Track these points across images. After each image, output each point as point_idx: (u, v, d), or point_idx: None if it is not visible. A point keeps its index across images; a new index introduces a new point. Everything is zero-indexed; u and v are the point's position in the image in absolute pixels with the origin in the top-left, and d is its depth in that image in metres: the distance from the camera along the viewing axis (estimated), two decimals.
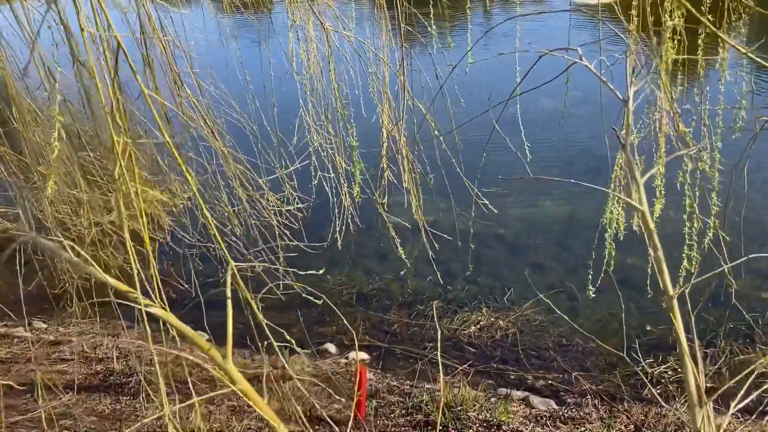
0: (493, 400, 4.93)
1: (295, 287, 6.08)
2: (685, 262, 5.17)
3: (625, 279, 6.64)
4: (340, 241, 6.31)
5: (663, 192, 5.24)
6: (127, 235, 2.01)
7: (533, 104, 9.85)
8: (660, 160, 4.33)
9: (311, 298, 2.71)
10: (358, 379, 4.24)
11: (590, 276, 4.97)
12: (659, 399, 4.90)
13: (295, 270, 2.27)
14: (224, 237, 5.50)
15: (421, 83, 4.87)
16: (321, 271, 2.81)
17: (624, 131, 2.03)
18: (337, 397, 4.66)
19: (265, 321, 3.20)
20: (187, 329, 1.85)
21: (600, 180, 8.29)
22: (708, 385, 5.21)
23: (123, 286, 1.82)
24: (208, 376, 5.18)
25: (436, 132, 5.05)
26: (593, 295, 5.26)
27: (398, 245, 5.56)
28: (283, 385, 4.96)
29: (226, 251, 1.96)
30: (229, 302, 1.94)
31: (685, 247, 5.11)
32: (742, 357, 5.38)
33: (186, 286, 6.65)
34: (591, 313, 6.33)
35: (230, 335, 2.82)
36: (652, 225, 1.89)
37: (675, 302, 1.92)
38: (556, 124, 9.67)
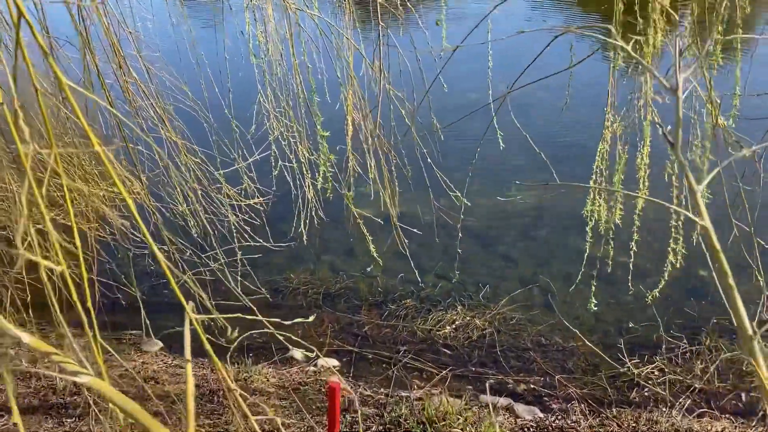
0: (475, 409, 4.55)
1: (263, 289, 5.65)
2: (670, 256, 4.87)
3: (602, 273, 6.35)
4: (305, 236, 5.85)
5: (647, 184, 4.94)
6: (60, 269, 1.52)
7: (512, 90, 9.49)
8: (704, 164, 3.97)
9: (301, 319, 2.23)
10: (332, 398, 3.80)
11: (593, 288, 4.59)
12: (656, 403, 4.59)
13: (279, 320, 1.77)
14: (179, 238, 4.99)
15: (399, 65, 4.42)
16: (310, 319, 2.33)
17: (674, 128, 1.62)
18: (308, 415, 4.23)
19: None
20: (128, 403, 1.36)
21: (581, 170, 8.01)
22: (697, 385, 4.96)
23: (44, 346, 1.34)
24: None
25: (411, 125, 4.62)
26: (595, 308, 4.93)
27: (369, 240, 5.12)
28: (239, 399, 4.48)
29: (182, 299, 1.47)
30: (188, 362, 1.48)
31: (671, 240, 4.81)
32: (730, 354, 5.11)
33: (134, 290, 6.11)
34: (569, 309, 6.01)
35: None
36: (717, 243, 1.49)
37: (756, 344, 1.51)
38: (529, 110, 9.37)
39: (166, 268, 1.50)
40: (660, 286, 4.83)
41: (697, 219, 1.64)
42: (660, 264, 6.26)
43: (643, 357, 5.24)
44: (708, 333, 5.41)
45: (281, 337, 2.24)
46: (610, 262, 5.46)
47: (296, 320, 1.97)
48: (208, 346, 1.99)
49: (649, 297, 4.90)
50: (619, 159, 4.97)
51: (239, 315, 1.65)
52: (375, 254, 5.08)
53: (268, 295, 5.34)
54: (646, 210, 5.17)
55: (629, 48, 1.75)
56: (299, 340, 2.18)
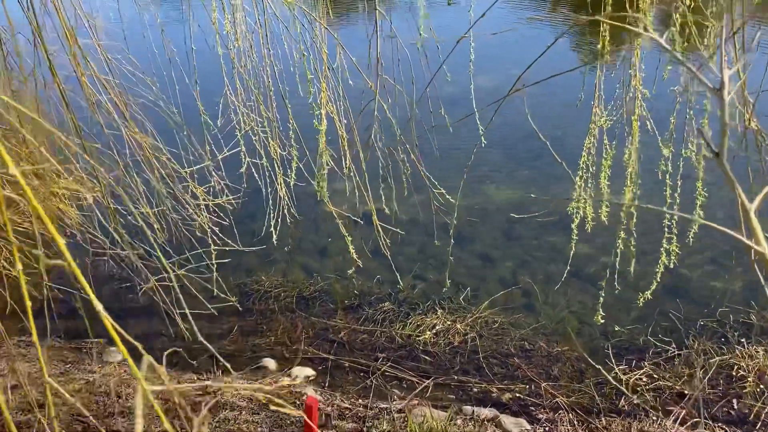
0: (459, 422, 4.27)
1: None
2: (663, 257, 4.64)
3: (583, 273, 6.13)
4: (275, 237, 5.51)
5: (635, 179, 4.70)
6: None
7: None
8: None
9: None
10: (309, 416, 3.48)
11: (601, 298, 4.31)
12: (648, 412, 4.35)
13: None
14: (142, 245, 4.60)
15: (393, 50, 4.09)
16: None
17: (720, 136, 1.34)
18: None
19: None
20: None
21: (560, 166, 7.76)
22: (687, 392, 4.75)
23: None
24: None
25: (410, 117, 4.31)
26: (602, 321, 4.67)
27: (349, 241, 4.79)
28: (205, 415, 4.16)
29: (134, 368, 1.13)
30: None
31: (664, 240, 4.58)
32: (718, 358, 4.90)
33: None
34: (551, 311, 5.77)
35: None
36: None
37: None
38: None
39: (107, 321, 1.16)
40: (653, 288, 4.58)
41: (753, 245, 1.35)
42: (647, 264, 6.08)
43: (630, 362, 5.02)
44: (695, 336, 5.20)
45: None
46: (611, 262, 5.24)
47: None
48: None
49: (641, 299, 4.65)
50: (606, 154, 4.72)
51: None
52: (354, 256, 4.75)
53: (237, 303, 4.97)
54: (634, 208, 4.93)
55: (662, 41, 1.45)
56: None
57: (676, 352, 5.04)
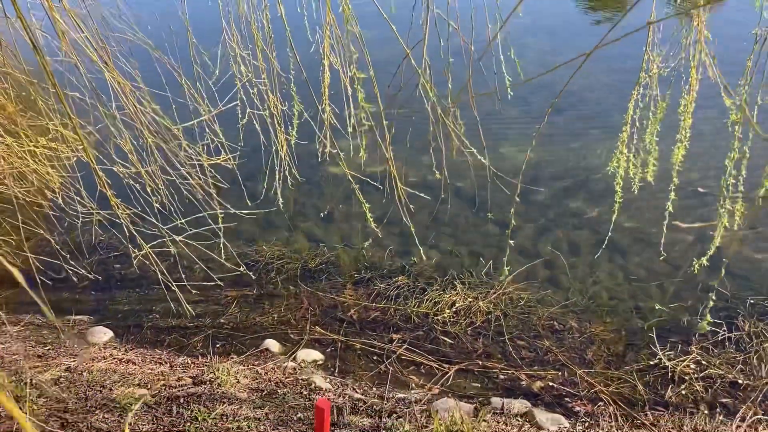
0: (489, 419, 3.72)
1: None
2: (723, 219, 3.98)
3: (621, 243, 5.55)
4: (280, 200, 4.87)
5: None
6: None
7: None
8: None
9: None
10: (320, 420, 2.92)
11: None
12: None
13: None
14: (132, 208, 3.97)
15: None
16: None
17: None
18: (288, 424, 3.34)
19: None
20: None
21: (580, 121, 7.13)
22: (741, 381, 4.20)
23: None
24: None
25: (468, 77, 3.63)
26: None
27: (366, 209, 4.15)
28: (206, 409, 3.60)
29: None
30: None
31: (727, 200, 3.92)
32: None
33: (85, 262, 5.12)
34: (579, 285, 5.21)
35: None
36: None
37: None
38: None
39: None
40: (711, 252, 3.92)
41: None
42: (696, 234, 5.51)
43: (675, 346, 4.46)
44: (745, 317, 4.64)
45: None
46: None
47: None
48: None
49: (696, 266, 3.98)
50: (657, 107, 4.06)
51: None
52: (373, 225, 4.12)
53: (246, 271, 4.34)
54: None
55: None
56: None
57: (726, 335, 4.48)
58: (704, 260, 4.02)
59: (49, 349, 4.40)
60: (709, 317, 3.36)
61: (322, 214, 6.15)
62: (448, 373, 4.27)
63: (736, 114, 3.60)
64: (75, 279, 4.79)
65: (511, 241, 3.86)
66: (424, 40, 3.24)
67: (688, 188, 6.03)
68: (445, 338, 4.60)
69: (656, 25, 4.03)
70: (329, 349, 4.53)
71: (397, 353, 4.44)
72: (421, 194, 4.42)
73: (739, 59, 3.45)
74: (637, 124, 4.14)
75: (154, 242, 3.62)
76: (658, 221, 5.95)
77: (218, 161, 4.82)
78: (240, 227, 5.59)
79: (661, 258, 4.37)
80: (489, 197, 6.22)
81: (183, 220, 4.30)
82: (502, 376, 4.30)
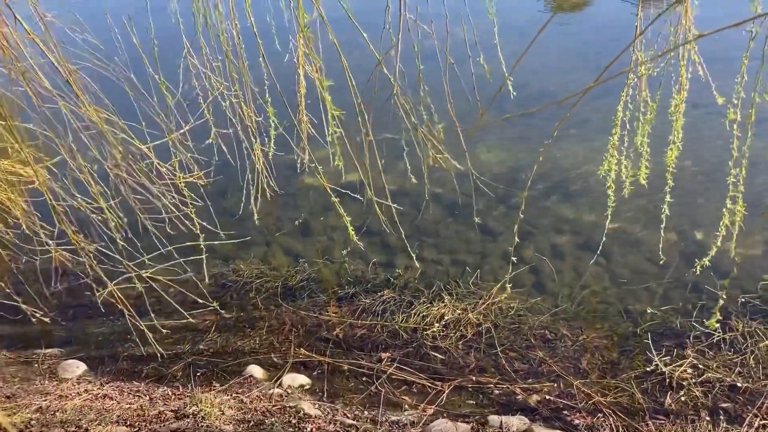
0: None
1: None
2: (725, 218, 3.84)
3: (605, 245, 5.43)
4: (256, 216, 4.65)
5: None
6: None
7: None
8: None
9: None
10: None
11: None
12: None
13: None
14: (96, 243, 3.73)
15: None
16: None
17: None
18: None
19: None
20: None
21: (553, 122, 7.00)
22: (740, 384, 4.10)
23: None
24: None
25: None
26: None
27: (347, 221, 3.95)
28: None
29: None
30: None
31: (728, 200, 3.79)
32: (767, 341, 4.28)
33: (47, 293, 4.84)
34: (567, 291, 5.09)
35: None
36: None
37: None
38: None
39: None
40: (711, 254, 3.79)
41: None
42: (680, 232, 5.41)
43: (670, 350, 4.35)
44: (737, 316, 4.56)
45: None
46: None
47: None
48: None
49: (698, 267, 3.84)
50: (648, 108, 3.93)
51: None
52: (354, 238, 3.92)
53: (217, 307, 4.10)
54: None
55: None
56: None
57: (721, 336, 4.39)
58: (706, 261, 3.89)
59: (18, 388, 4.13)
60: (718, 314, 3.23)
61: (297, 222, 5.95)
62: (441, 391, 4.10)
63: (734, 111, 3.48)
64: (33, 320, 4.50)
65: (514, 259, 3.70)
66: (398, 47, 3.06)
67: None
68: (436, 354, 4.43)
69: (642, 25, 3.91)
70: (316, 372, 4.33)
71: (387, 372, 4.26)
72: (394, 205, 4.25)
73: (732, 56, 3.34)
74: (627, 126, 4.01)
75: (123, 276, 3.38)
76: (640, 221, 5.91)
77: (191, 179, 4.60)
78: (215, 245, 5.35)
79: (660, 261, 4.25)
80: (474, 203, 6.11)
81: (148, 257, 4.05)
82: (497, 391, 4.14)
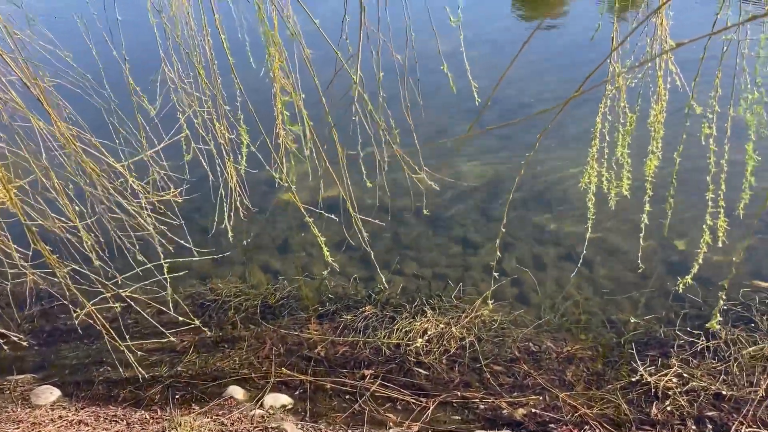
0: None
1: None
2: (705, 235, 3.84)
3: (586, 255, 5.44)
4: (230, 233, 4.59)
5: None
6: None
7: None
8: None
9: None
10: None
11: (718, 315, 3.43)
12: None
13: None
14: (71, 264, 3.64)
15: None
16: None
17: None
18: None
19: None
20: None
21: (531, 135, 7.00)
22: (724, 392, 4.10)
23: None
24: None
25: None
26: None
27: (322, 242, 3.91)
28: None
29: None
30: None
31: (707, 215, 3.80)
32: (752, 349, 4.29)
33: (20, 317, 4.72)
34: (549, 302, 5.07)
35: None
36: None
37: None
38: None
39: None
40: (694, 270, 3.80)
41: None
42: (662, 242, 5.43)
43: (655, 360, 4.35)
44: (720, 323, 4.56)
45: None
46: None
47: None
48: None
49: (681, 285, 3.84)
50: (627, 119, 3.94)
51: None
52: (329, 259, 3.86)
53: (200, 324, 4.00)
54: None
55: None
56: None
57: (704, 344, 4.39)
58: (689, 279, 3.88)
59: None
60: (718, 315, 3.22)
61: (271, 234, 5.90)
62: (426, 407, 4.05)
63: (708, 126, 3.49)
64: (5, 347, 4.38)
65: (496, 274, 3.68)
66: (380, 64, 3.05)
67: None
68: (420, 369, 4.38)
69: (618, 37, 3.93)
70: (298, 392, 4.26)
71: (371, 390, 4.19)
72: (375, 220, 4.21)
73: (708, 66, 3.35)
74: (607, 137, 4.02)
75: (100, 297, 3.30)
76: (619, 230, 5.93)
77: (167, 197, 4.53)
78: (192, 264, 5.26)
79: (639, 270, 4.25)
80: (453, 214, 6.10)
81: (121, 277, 3.96)
82: (482, 406, 4.10)
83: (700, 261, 3.61)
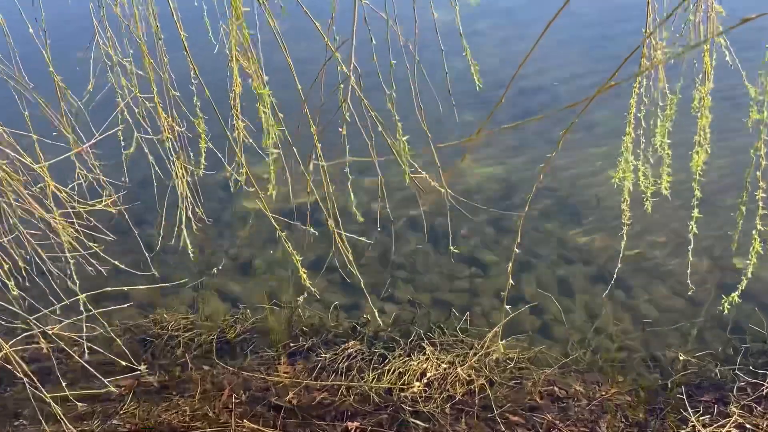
0: None
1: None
2: (756, 244, 3.84)
3: (623, 276, 5.44)
4: (185, 244, 4.52)
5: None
6: None
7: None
8: None
9: None
10: None
11: None
12: None
13: None
14: None
15: None
16: None
17: None
18: None
19: None
20: None
21: (551, 121, 7.02)
22: None
23: None
24: None
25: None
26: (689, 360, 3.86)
27: (297, 261, 3.85)
28: None
29: None
30: None
31: (758, 219, 3.80)
32: None
33: None
34: (577, 334, 5.07)
35: None
36: None
37: None
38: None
39: None
40: (743, 286, 3.79)
41: None
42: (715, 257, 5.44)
43: (708, 407, 4.33)
44: None
45: None
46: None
47: None
48: None
49: (725, 304, 3.85)
50: (668, 102, 3.92)
51: None
52: (307, 282, 3.82)
53: (144, 367, 3.94)
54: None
55: None
56: None
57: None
58: (735, 297, 3.89)
59: None
60: None
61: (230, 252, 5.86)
62: None
63: (758, 110, 3.47)
64: None
65: (507, 307, 3.65)
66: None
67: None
68: (418, 421, 4.34)
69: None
70: None
71: None
72: (362, 238, 4.18)
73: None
74: (642, 123, 4.00)
75: (18, 337, 3.25)
76: (665, 245, 5.95)
77: (97, 206, 4.48)
78: (131, 291, 5.21)
79: (689, 292, 4.25)
80: (449, 227, 6.06)
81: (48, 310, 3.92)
82: None
83: (749, 275, 3.62)
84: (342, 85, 3.12)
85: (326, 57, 3.09)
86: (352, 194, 3.35)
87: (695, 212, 3.87)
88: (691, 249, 3.92)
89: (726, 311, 3.86)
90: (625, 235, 4.15)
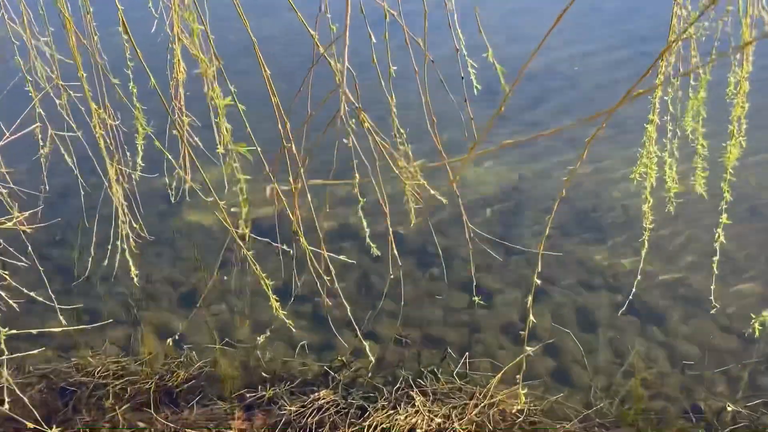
0: None
1: None
2: None
3: (655, 304, 5.50)
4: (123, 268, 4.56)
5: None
6: None
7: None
8: None
9: None
10: None
11: None
12: None
13: None
14: None
15: None
16: None
17: None
18: None
19: None
20: None
21: (568, 114, 7.08)
22: None
23: None
24: None
25: None
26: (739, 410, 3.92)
27: (268, 285, 3.88)
28: None
29: None
30: None
31: None
32: None
33: None
34: (602, 380, 5.12)
35: None
36: None
37: None
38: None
39: None
40: None
41: None
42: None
43: None
44: None
45: None
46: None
47: None
48: None
49: (756, 325, 3.92)
50: (700, 82, 3.98)
51: None
52: (281, 313, 3.85)
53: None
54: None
55: None
56: None
57: None
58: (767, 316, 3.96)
59: None
60: None
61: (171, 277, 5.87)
62: None
63: None
64: None
65: (529, 349, 3.67)
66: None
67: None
68: None
69: None
70: None
71: None
72: (341, 256, 4.22)
73: None
74: (670, 108, 4.05)
75: None
76: (708, 267, 5.99)
77: (6, 225, 4.49)
78: (48, 327, 5.24)
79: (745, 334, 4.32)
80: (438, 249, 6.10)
81: None
82: None
83: None
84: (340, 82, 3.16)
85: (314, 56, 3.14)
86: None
87: (723, 217, 3.93)
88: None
89: (757, 333, 3.93)
90: (646, 243, 4.21)
